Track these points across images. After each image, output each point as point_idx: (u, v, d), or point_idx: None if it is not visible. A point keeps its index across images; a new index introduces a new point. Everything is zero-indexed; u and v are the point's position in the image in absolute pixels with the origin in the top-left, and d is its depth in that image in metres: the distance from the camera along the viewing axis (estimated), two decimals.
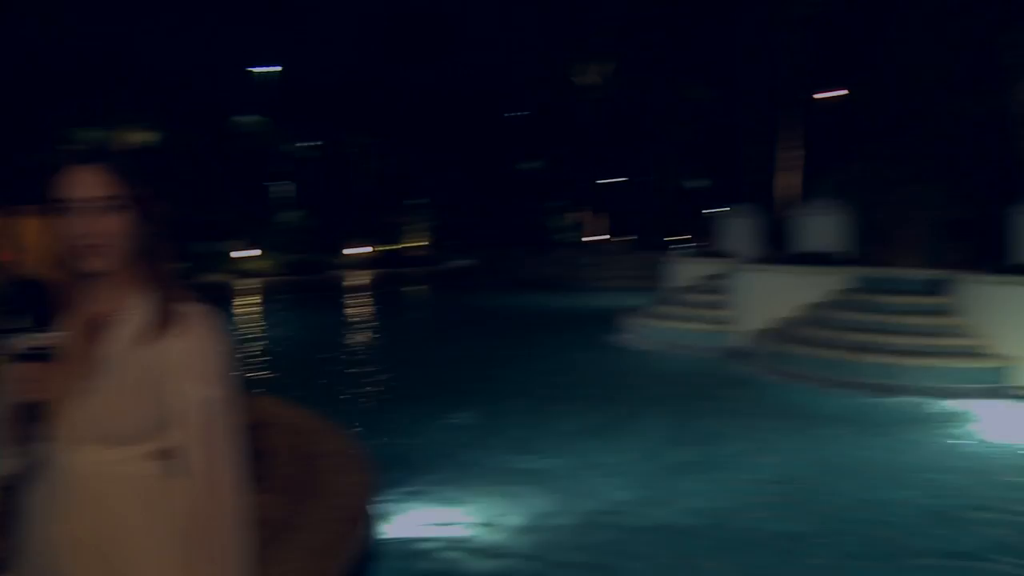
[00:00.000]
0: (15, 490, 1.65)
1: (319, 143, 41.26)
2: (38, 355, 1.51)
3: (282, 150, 38.76)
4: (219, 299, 22.83)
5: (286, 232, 36.18)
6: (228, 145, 36.63)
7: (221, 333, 1.66)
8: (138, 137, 34.59)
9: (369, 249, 39.03)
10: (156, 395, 1.58)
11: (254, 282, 29.13)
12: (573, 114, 38.25)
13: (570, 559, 5.19)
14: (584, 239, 39.69)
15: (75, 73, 33.22)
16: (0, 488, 1.65)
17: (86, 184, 1.59)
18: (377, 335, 18.35)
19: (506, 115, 44.10)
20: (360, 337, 18.14)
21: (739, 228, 16.15)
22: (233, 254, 32.42)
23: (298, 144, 40.20)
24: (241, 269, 31.43)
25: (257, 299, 26.02)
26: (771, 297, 12.75)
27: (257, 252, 33.23)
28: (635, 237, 36.56)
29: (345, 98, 40.78)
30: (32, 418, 1.53)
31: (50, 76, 32.60)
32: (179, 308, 1.63)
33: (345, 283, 31.74)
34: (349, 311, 23.88)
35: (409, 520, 5.72)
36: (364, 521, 4.37)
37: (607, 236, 39.66)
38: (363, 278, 33.46)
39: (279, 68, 40.86)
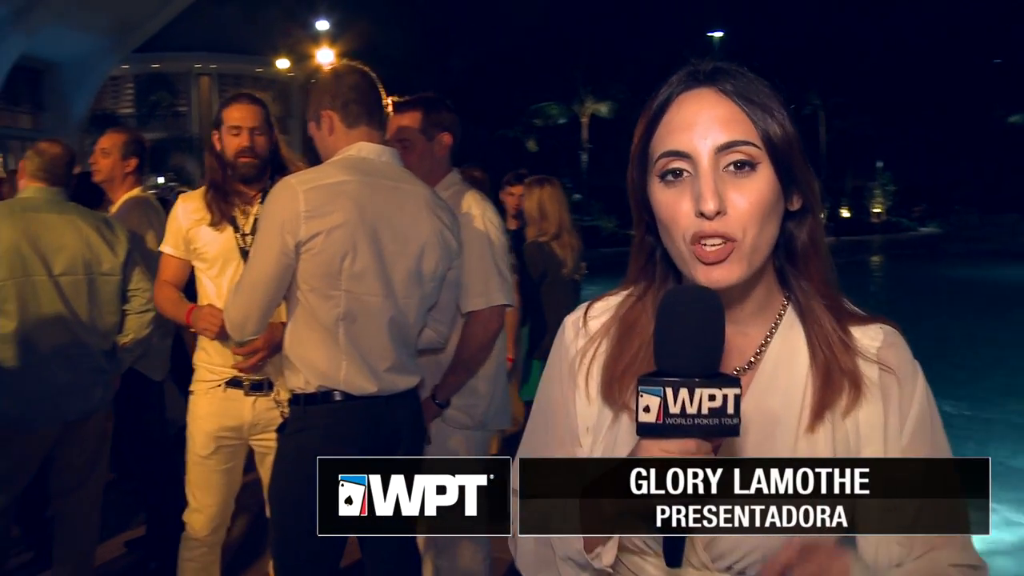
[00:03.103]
0: None
1: None
2: (715, 425, 0.83)
3: None
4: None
5: None
6: None
7: (918, 368, 1.05)
8: (596, 109, 37.11)
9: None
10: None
11: None
12: None
13: None
14: None
15: (534, 51, 36.53)
16: None
17: (711, 123, 0.97)
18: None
19: (995, 61, 38.41)
20: None
21: None
22: None
23: None
24: None
25: None
26: None
27: None
28: None
29: (803, 57, 39.11)
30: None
31: (514, 56, 36.25)
32: (855, 340, 1.03)
33: None
34: None
35: None
36: None
37: None
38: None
39: (722, 33, 40.54)
